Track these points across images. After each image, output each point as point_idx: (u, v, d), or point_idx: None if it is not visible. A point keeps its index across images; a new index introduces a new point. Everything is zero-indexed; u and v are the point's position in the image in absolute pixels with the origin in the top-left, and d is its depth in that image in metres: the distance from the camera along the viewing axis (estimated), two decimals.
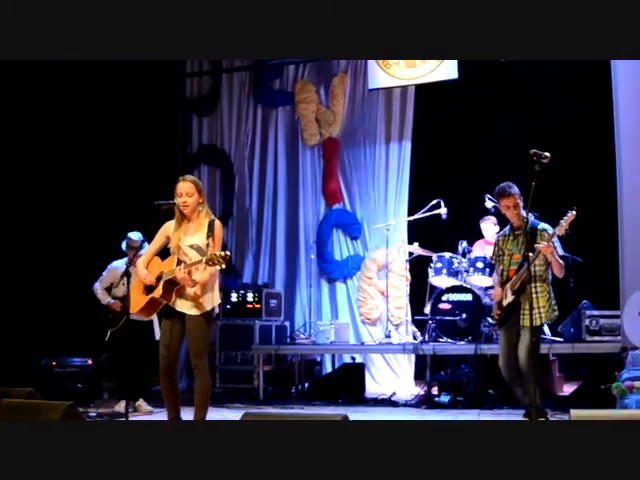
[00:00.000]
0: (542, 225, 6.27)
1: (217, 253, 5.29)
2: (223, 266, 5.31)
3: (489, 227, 9.25)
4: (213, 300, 5.70)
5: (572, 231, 6.02)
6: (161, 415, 7.62)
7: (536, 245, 6.01)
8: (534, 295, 6.12)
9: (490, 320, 8.54)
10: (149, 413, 7.93)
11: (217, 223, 5.69)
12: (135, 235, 8.14)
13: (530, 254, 5.93)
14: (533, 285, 6.11)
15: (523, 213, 6.26)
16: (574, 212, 5.86)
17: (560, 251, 6.22)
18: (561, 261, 6.14)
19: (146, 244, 7.97)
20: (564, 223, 5.88)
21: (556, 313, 6.34)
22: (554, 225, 6.06)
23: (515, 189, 6.24)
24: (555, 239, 6.09)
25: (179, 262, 5.59)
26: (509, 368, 6.30)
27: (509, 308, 6.28)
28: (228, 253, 5.34)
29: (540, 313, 6.19)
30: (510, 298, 6.24)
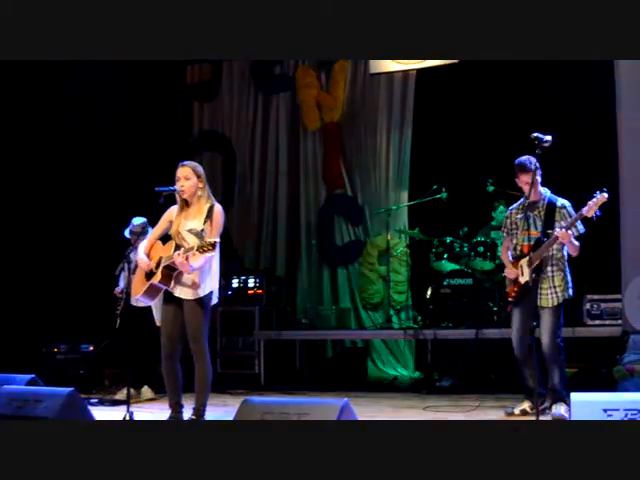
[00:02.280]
0: (561, 201, 6.12)
1: (207, 240, 5.30)
2: (213, 253, 5.34)
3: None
4: (210, 285, 5.72)
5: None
6: (164, 401, 7.64)
7: (555, 232, 5.88)
8: (550, 274, 6.05)
9: (489, 306, 8.55)
10: (152, 400, 7.93)
11: (217, 208, 5.68)
12: (137, 220, 8.13)
13: (550, 231, 5.85)
14: (550, 265, 6.05)
15: (540, 189, 6.12)
16: (605, 195, 5.66)
17: (582, 229, 6.00)
18: (577, 243, 5.98)
19: (150, 229, 8.01)
20: (593, 205, 5.67)
21: (570, 292, 6.20)
22: (574, 203, 5.96)
23: (535, 164, 5.97)
24: (574, 215, 5.94)
25: (177, 247, 5.59)
26: (522, 347, 6.17)
27: (525, 286, 6.10)
28: (217, 240, 5.35)
29: (556, 293, 6.07)
30: (528, 276, 6.02)
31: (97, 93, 10.53)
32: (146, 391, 8.05)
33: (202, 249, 5.27)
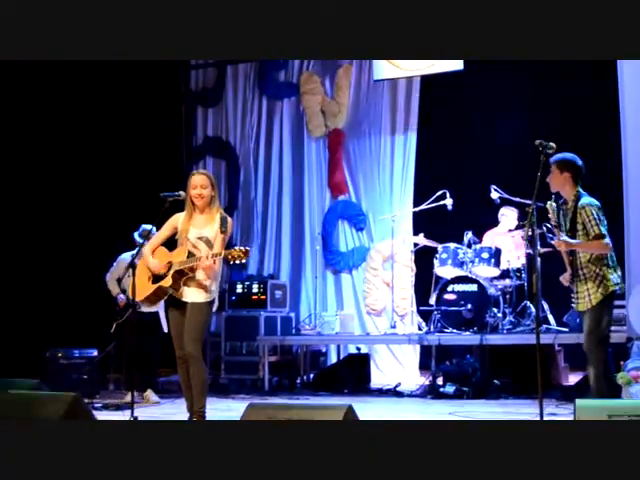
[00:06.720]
0: (583, 201, 5.81)
1: (237, 248, 5.42)
2: (244, 260, 5.46)
3: (511, 216, 9.17)
4: (214, 291, 5.79)
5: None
6: (168, 406, 7.66)
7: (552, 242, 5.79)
8: (582, 278, 5.81)
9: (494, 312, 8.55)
10: (156, 403, 7.94)
11: (230, 220, 5.78)
12: (148, 226, 8.18)
13: (569, 235, 5.72)
14: (580, 269, 5.82)
15: (570, 189, 5.84)
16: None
17: (604, 230, 5.71)
18: (606, 241, 5.68)
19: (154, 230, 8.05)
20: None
21: (609, 284, 5.75)
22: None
23: (573, 165, 5.82)
24: (594, 215, 5.68)
25: (190, 254, 5.63)
26: (584, 350, 5.89)
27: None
28: (249, 248, 5.48)
29: (589, 296, 5.77)
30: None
31: (101, 98, 10.55)
32: (150, 395, 8.05)
33: (231, 256, 5.40)
